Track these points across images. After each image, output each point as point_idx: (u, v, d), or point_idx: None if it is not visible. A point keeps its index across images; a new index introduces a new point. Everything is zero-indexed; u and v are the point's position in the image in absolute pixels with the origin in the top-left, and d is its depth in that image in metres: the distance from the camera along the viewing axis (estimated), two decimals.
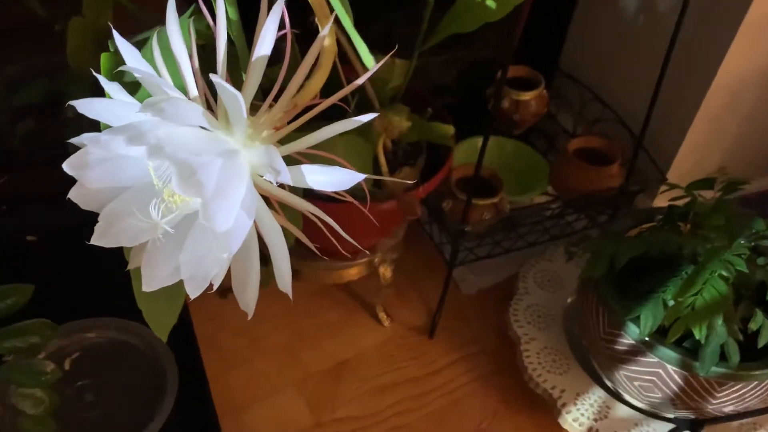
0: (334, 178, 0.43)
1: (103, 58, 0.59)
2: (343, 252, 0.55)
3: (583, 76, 1.39)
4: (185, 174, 0.39)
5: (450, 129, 0.96)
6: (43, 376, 0.73)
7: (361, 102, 0.92)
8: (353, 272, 1.12)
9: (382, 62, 0.50)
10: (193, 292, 0.44)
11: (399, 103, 0.92)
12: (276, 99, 0.49)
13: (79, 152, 0.43)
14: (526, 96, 1.29)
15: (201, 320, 1.18)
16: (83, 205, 0.45)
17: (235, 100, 0.41)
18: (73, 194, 0.45)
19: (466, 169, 1.17)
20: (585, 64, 1.41)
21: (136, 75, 0.42)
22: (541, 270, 1.24)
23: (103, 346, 1.07)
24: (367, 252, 1.10)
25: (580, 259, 1.19)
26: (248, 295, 0.46)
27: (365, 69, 0.96)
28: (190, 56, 0.47)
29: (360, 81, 0.48)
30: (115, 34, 0.43)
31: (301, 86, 0.51)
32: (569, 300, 1.19)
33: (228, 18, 0.49)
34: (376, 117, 0.90)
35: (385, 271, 1.15)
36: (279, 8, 0.43)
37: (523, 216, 1.20)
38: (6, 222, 1.13)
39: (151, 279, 0.46)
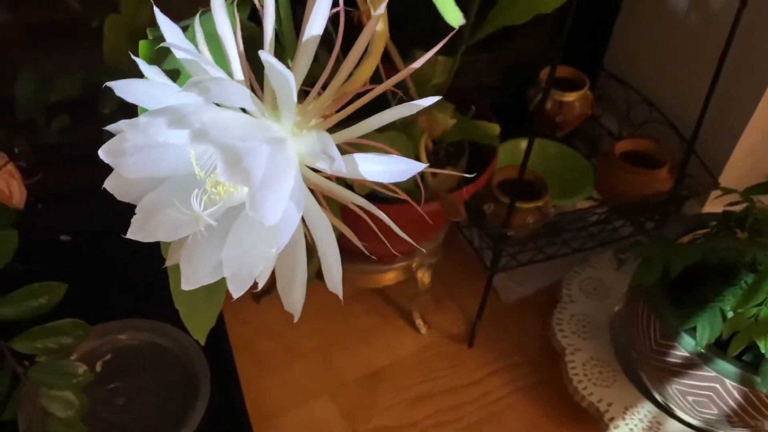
0: (390, 168, 0.39)
1: (142, 45, 0.56)
2: (394, 251, 0.51)
3: (629, 76, 1.34)
4: (231, 160, 0.36)
5: (495, 128, 0.92)
6: (74, 378, 0.70)
7: (402, 100, 0.88)
8: (390, 277, 1.09)
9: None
10: (237, 291, 0.41)
11: (444, 100, 0.88)
12: (324, 86, 0.45)
13: (116, 138, 0.40)
14: (570, 97, 1.25)
15: (235, 323, 1.16)
16: (119, 196, 0.42)
17: (284, 80, 0.37)
18: (109, 184, 0.42)
19: (508, 171, 1.12)
20: (631, 65, 1.36)
21: (176, 53, 0.39)
22: (587, 277, 1.19)
23: (135, 348, 1.05)
24: (405, 255, 1.06)
25: (627, 266, 1.14)
26: (295, 296, 0.43)
27: (406, 67, 0.93)
28: (235, 37, 0.44)
29: (416, 64, 0.44)
30: (157, 11, 0.40)
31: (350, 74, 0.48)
32: (616, 309, 1.14)
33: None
34: (420, 114, 0.87)
35: (423, 276, 1.11)
36: None
37: (568, 221, 1.15)
38: (40, 221, 1.12)
39: (191, 276, 0.43)
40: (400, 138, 0.83)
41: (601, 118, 1.38)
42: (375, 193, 0.85)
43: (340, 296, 0.42)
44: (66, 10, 0.95)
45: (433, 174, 0.93)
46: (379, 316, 1.20)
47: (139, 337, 1.06)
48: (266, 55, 0.36)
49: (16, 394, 0.71)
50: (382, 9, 0.43)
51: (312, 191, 0.44)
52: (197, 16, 0.46)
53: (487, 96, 1.37)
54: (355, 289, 1.20)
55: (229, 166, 0.36)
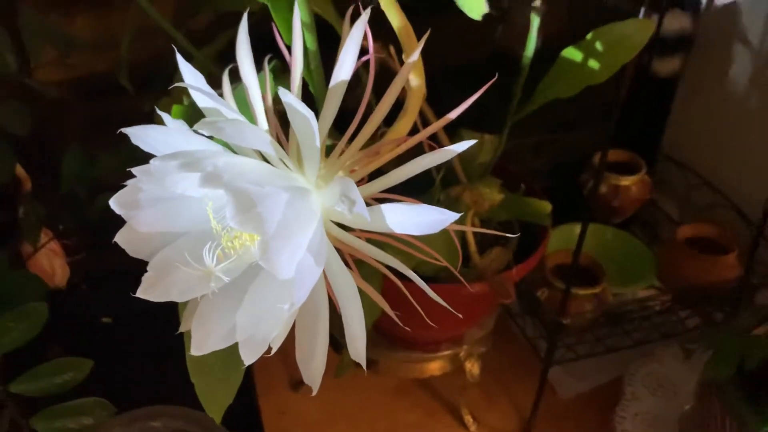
0: (420, 219, 0.35)
1: (175, 108, 0.55)
2: (433, 324, 0.46)
3: (689, 160, 1.29)
4: (243, 205, 0.32)
5: (546, 206, 0.87)
6: None
7: (447, 176, 0.86)
8: (435, 366, 1.02)
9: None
10: (249, 357, 0.37)
11: (490, 176, 0.85)
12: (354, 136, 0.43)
13: (129, 188, 0.37)
14: (626, 181, 1.20)
15: (271, 414, 1.10)
16: (131, 252, 0.39)
17: (306, 122, 0.35)
18: (121, 238, 0.39)
19: (562, 255, 1.07)
20: (690, 148, 1.31)
21: (196, 98, 0.37)
22: (651, 372, 1.10)
23: None
24: (451, 343, 1.00)
25: (696, 361, 1.04)
26: (314, 365, 0.38)
27: (452, 141, 0.91)
28: (263, 92, 0.42)
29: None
30: (179, 56, 0.38)
31: (379, 129, 0.45)
32: (686, 407, 1.03)
33: (305, 47, 0.44)
34: (466, 190, 0.84)
35: (472, 367, 1.04)
36: (361, 26, 0.37)
37: (629, 310, 1.07)
38: (83, 301, 1.11)
39: (203, 341, 0.39)
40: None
41: (660, 203, 1.32)
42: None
43: (363, 365, 0.38)
44: (121, 94, 0.97)
45: (481, 254, 0.88)
46: (424, 410, 1.12)
47: (173, 426, 1.01)
48: (287, 95, 0.34)
49: None
50: (414, 56, 0.41)
51: (339, 251, 0.41)
52: (226, 71, 0.44)
53: (540, 180, 1.34)
54: (398, 380, 1.14)
55: (241, 210, 0.32)
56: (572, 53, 0.74)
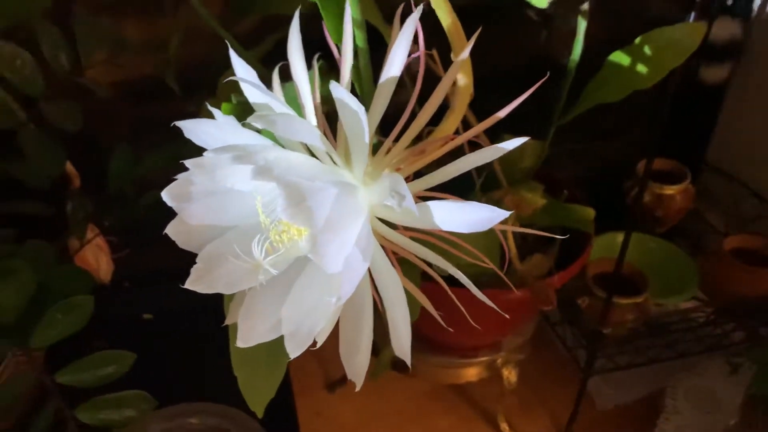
0: (470, 216, 0.35)
1: (224, 106, 0.56)
2: (474, 325, 0.46)
3: (735, 169, 1.26)
4: (294, 199, 0.33)
5: (590, 212, 0.86)
6: None
7: (488, 180, 0.85)
8: (472, 372, 1.01)
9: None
10: (294, 350, 0.37)
11: (533, 181, 0.84)
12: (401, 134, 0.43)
13: (181, 180, 0.38)
14: (670, 190, 1.18)
15: (307, 414, 1.10)
16: (181, 243, 0.40)
17: (356, 118, 0.35)
18: (171, 230, 0.40)
19: (603, 263, 1.05)
20: (736, 158, 1.28)
21: (246, 92, 0.37)
22: (694, 386, 1.07)
23: None
24: (489, 349, 0.99)
25: (741, 376, 1.01)
26: (359, 360, 0.38)
27: (492, 142, 0.90)
28: (313, 90, 0.42)
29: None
30: (231, 52, 0.39)
31: (425, 129, 0.45)
32: (731, 423, 1.01)
33: (355, 44, 0.44)
34: (507, 194, 0.83)
35: (510, 375, 1.03)
36: (413, 23, 0.37)
37: (671, 321, 1.05)
38: (125, 298, 1.13)
39: (249, 333, 0.39)
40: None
41: (704, 213, 1.29)
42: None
43: (408, 362, 0.37)
44: (168, 96, 0.99)
45: (521, 259, 0.87)
46: (458, 416, 1.12)
47: (209, 422, 1.03)
48: (337, 89, 0.34)
49: None
50: (464, 55, 0.41)
51: (384, 249, 0.41)
52: (275, 69, 0.45)
53: (583, 187, 1.32)
54: (432, 386, 1.13)
55: (292, 204, 0.33)
56: (620, 57, 0.73)
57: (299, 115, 0.42)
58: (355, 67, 0.45)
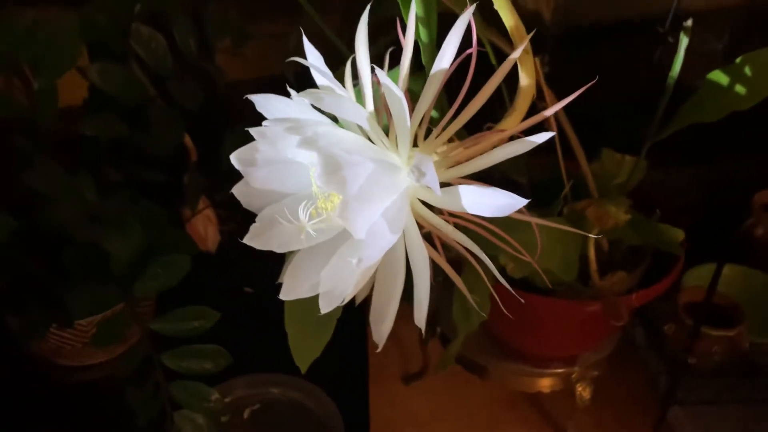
0: (493, 201, 0.37)
1: None
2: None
3: None
4: (330, 167, 0.37)
5: (679, 233, 0.84)
6: (205, 402, 0.74)
7: (576, 188, 0.85)
8: (545, 383, 1.01)
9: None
10: (326, 306, 0.41)
11: (620, 195, 0.83)
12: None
13: (248, 147, 0.43)
14: None
15: (381, 404, 1.14)
16: (244, 203, 0.45)
17: (399, 104, 0.38)
18: (237, 190, 0.45)
19: (698, 292, 1.01)
20: None
21: (315, 76, 0.42)
22: None
23: (283, 403, 1.08)
24: (564, 362, 0.98)
25: None
26: (384, 326, 0.41)
27: (590, 160, 0.89)
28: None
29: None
30: (305, 39, 0.44)
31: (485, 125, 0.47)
32: None
33: (420, 40, 0.47)
34: (591, 205, 0.83)
35: (583, 391, 1.02)
36: (465, 18, 0.40)
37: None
38: (230, 270, 1.21)
39: (291, 289, 0.44)
40: (564, 223, 0.79)
41: None
42: (530, 282, 0.81)
43: (422, 330, 0.40)
44: (282, 87, 1.07)
45: (605, 274, 0.87)
46: (530, 427, 1.11)
47: (290, 395, 1.08)
48: (384, 77, 0.38)
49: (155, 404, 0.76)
50: (518, 52, 0.43)
51: (428, 235, 0.44)
52: (349, 60, 0.49)
53: (693, 214, 1.27)
54: (506, 393, 1.13)
55: (327, 172, 0.37)
56: (718, 76, 0.71)
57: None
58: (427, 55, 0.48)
